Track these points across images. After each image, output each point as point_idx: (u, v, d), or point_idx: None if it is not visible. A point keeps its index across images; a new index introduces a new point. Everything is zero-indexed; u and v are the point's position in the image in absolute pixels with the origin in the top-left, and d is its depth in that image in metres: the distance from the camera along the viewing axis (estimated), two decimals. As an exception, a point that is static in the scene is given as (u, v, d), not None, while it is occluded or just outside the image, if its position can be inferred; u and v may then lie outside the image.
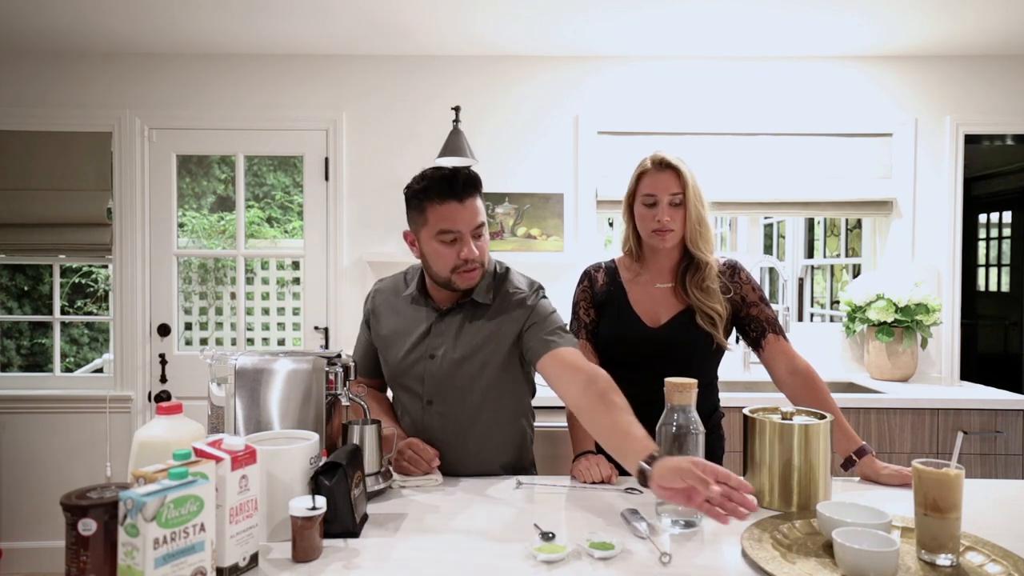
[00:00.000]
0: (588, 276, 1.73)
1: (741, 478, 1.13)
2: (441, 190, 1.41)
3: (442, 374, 1.50)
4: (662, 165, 1.60)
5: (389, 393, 1.68)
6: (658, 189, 1.58)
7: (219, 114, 3.13)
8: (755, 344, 1.66)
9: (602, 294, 1.69)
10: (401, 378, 1.56)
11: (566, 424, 1.63)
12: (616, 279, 1.70)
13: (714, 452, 1.67)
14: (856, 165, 3.14)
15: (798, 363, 1.60)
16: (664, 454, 1.16)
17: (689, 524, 1.18)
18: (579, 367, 1.39)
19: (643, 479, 1.14)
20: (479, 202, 1.45)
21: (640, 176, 1.62)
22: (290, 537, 1.05)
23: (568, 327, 1.55)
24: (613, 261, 1.74)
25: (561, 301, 1.79)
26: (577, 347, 1.48)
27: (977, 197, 5.31)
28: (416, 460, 1.43)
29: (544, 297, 1.55)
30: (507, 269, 1.59)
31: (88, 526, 0.87)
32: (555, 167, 3.14)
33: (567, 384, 1.38)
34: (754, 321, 1.64)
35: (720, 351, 1.65)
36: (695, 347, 1.61)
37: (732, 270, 1.67)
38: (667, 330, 1.62)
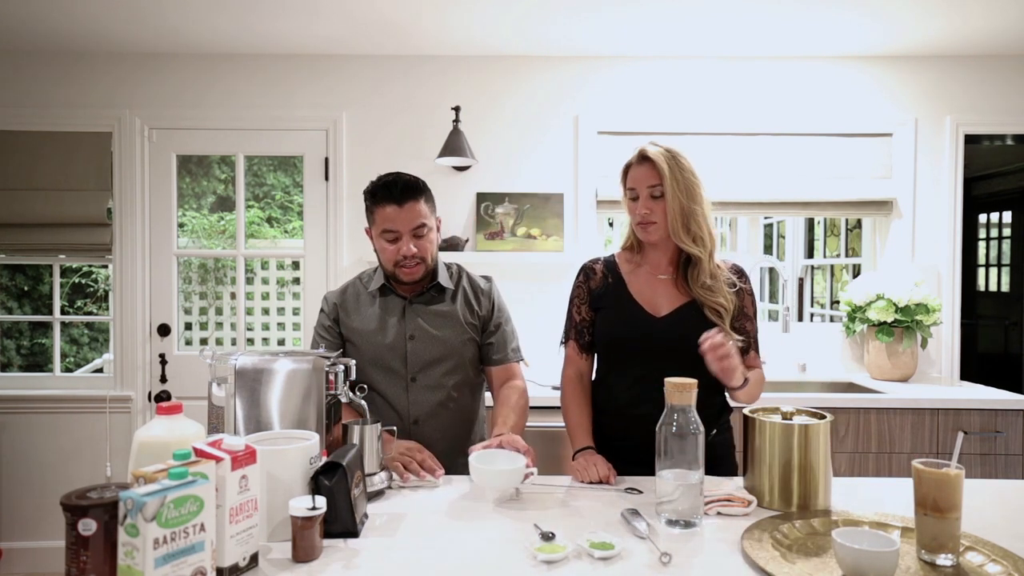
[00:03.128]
0: (585, 271, 1.70)
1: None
2: (383, 194, 1.61)
3: (424, 351, 1.68)
4: (642, 158, 1.59)
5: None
6: (637, 182, 1.58)
7: (219, 114, 3.13)
8: None
9: (600, 287, 1.66)
10: (383, 360, 1.69)
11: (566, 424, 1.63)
12: (616, 271, 1.67)
13: (726, 453, 1.64)
14: (856, 165, 3.14)
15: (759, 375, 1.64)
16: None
17: (689, 524, 1.18)
18: (519, 382, 1.75)
19: None
20: (422, 206, 1.63)
21: (626, 170, 1.63)
22: (290, 537, 1.05)
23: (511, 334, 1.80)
24: (613, 255, 1.72)
25: (561, 301, 1.79)
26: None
27: (977, 197, 5.30)
28: (416, 470, 1.45)
29: (497, 290, 1.80)
30: (460, 267, 1.82)
31: (88, 526, 0.87)
32: (555, 167, 3.14)
33: (507, 391, 1.71)
34: (745, 335, 1.61)
35: None
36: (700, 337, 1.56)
37: (739, 275, 1.64)
38: (670, 320, 1.58)
